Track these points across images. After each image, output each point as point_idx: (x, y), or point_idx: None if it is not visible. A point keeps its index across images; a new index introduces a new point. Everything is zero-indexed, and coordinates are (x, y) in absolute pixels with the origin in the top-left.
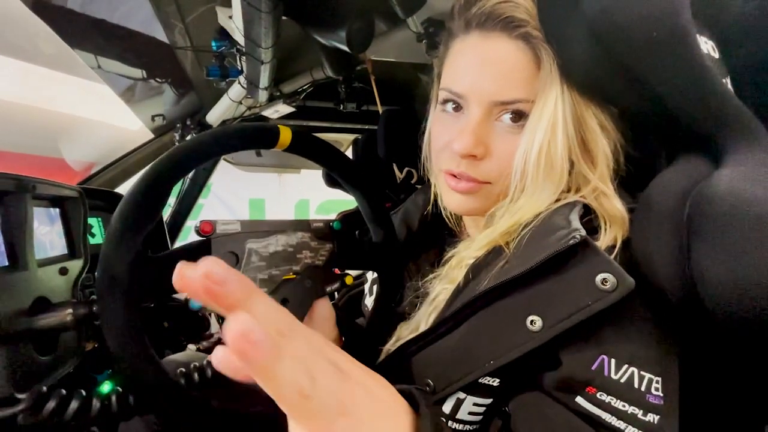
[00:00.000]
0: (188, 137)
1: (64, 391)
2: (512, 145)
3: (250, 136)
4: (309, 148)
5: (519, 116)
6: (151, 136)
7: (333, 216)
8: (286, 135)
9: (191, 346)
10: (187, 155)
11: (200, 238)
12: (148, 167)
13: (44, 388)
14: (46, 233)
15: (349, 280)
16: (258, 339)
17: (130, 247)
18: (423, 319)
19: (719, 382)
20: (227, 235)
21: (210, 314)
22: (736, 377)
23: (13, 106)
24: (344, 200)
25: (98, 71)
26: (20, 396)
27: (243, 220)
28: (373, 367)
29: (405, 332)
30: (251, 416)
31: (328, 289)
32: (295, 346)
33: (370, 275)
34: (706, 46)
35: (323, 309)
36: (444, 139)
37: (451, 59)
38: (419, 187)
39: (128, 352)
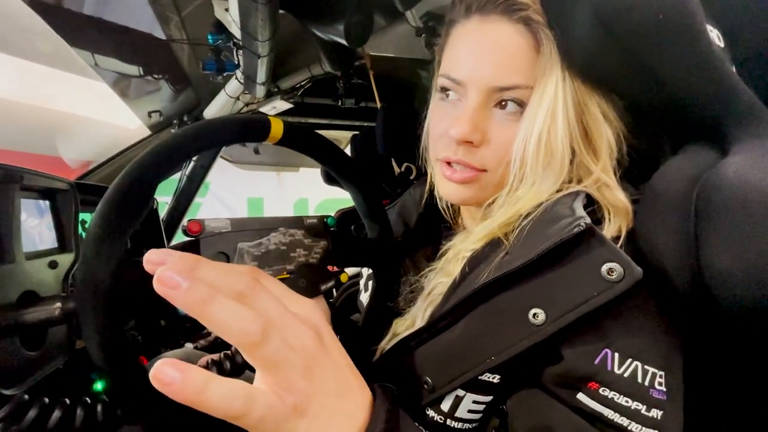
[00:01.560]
0: None
1: (47, 400)
2: (510, 133)
3: (238, 129)
4: (302, 141)
5: (518, 103)
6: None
7: (331, 214)
8: (277, 127)
9: (188, 345)
10: (170, 151)
11: (188, 239)
12: (128, 165)
13: (26, 396)
14: (35, 226)
15: (344, 278)
16: (170, 282)
17: (111, 253)
18: (419, 315)
19: (726, 377)
20: (216, 234)
21: None
22: (743, 372)
23: (10, 103)
24: (344, 199)
25: (95, 68)
26: (7, 392)
27: (233, 219)
28: (370, 365)
29: (400, 328)
30: None
31: (323, 287)
32: (260, 303)
33: (365, 271)
34: (712, 33)
35: None
36: (442, 127)
37: (451, 45)
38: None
39: (114, 366)
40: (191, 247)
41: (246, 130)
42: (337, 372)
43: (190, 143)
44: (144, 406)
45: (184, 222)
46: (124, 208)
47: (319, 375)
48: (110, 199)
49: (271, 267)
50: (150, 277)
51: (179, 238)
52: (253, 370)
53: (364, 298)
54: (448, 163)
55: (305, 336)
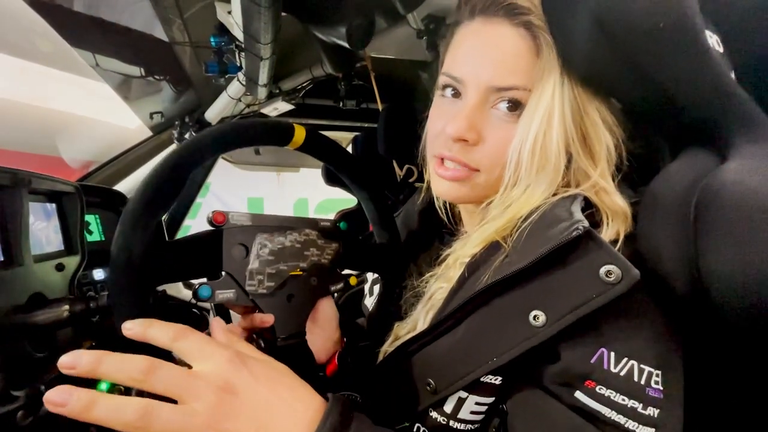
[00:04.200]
0: (187, 135)
1: None
2: (506, 134)
3: (268, 132)
4: (320, 148)
5: (515, 105)
6: (149, 134)
7: (331, 215)
8: (300, 134)
9: None
10: (204, 145)
11: (212, 228)
12: (169, 153)
13: (42, 387)
14: (42, 229)
15: (353, 281)
16: (57, 401)
17: (146, 229)
18: (420, 319)
19: (725, 378)
20: (239, 227)
21: (209, 312)
22: (741, 374)
23: (10, 103)
24: (343, 199)
25: (96, 68)
26: (16, 393)
27: (254, 214)
28: (374, 368)
29: (402, 332)
30: None
31: (333, 288)
32: (156, 382)
33: (371, 275)
34: (711, 39)
35: (327, 308)
36: (439, 124)
37: (454, 45)
38: (418, 185)
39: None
40: (214, 236)
41: (272, 133)
42: (261, 404)
43: (221, 140)
44: None
45: (210, 213)
46: (162, 190)
47: (240, 385)
48: (150, 181)
49: (286, 263)
50: (177, 259)
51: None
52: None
53: (369, 302)
54: (442, 161)
55: (205, 395)
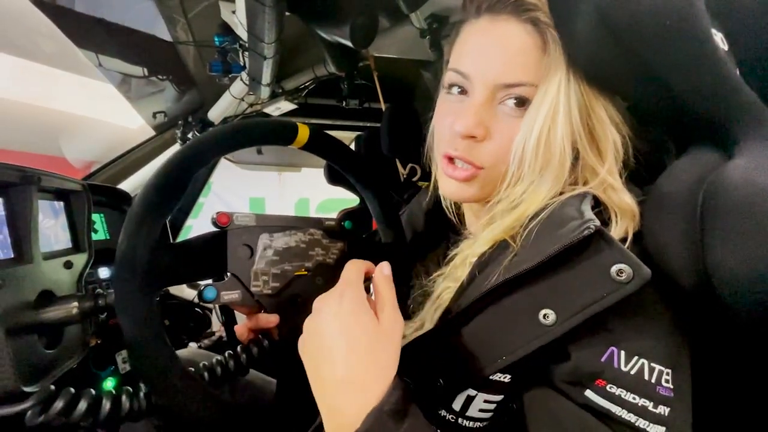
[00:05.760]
0: (190, 135)
1: (72, 390)
2: (513, 129)
3: (271, 131)
4: (325, 147)
5: (522, 101)
6: (152, 134)
7: (333, 214)
8: (303, 133)
9: (192, 344)
10: (207, 145)
11: (216, 229)
12: (173, 154)
13: (52, 387)
14: (51, 226)
15: None
16: None
17: (151, 231)
18: (428, 318)
19: (732, 376)
20: (243, 227)
21: (211, 312)
22: (748, 372)
23: (13, 104)
24: (345, 199)
25: (99, 68)
26: (27, 389)
27: (258, 214)
28: None
29: (409, 330)
30: (258, 410)
31: None
32: None
33: None
34: (716, 37)
35: None
36: (447, 121)
37: (460, 42)
38: (421, 184)
39: (144, 336)
40: (219, 237)
41: (276, 133)
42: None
43: (225, 140)
44: (168, 384)
45: (214, 214)
46: (165, 192)
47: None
48: (154, 183)
49: (291, 263)
50: (181, 261)
51: (183, 237)
52: (259, 368)
53: None
54: (450, 160)
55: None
